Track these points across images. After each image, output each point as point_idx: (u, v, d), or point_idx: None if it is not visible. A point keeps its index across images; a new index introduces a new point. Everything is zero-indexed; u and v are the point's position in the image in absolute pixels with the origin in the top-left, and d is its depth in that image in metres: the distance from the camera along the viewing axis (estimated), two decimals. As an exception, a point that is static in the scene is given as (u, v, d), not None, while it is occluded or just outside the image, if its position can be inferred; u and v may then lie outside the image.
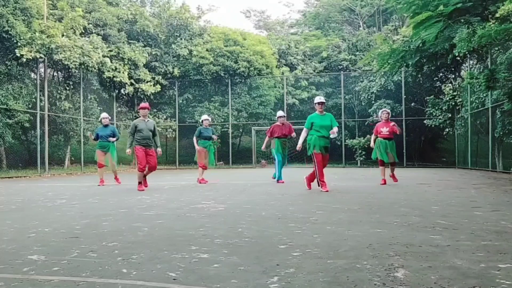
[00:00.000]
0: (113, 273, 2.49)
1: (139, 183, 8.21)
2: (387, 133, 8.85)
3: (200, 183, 9.74)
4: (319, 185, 7.58)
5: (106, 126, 9.84)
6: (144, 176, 8.35)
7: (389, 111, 9.26)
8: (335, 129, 7.54)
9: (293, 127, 10.14)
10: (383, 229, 3.74)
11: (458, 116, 18.00)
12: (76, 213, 5.01)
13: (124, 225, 4.10)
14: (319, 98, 7.84)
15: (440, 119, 18.50)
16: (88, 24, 17.85)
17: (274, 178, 10.03)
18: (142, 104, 8.56)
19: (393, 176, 9.15)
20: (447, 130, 18.66)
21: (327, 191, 7.29)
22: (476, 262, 2.63)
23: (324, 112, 7.77)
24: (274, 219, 4.40)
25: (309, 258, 2.77)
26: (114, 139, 9.82)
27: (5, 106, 14.12)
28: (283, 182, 9.59)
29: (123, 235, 3.62)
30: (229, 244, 3.21)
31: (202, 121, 10.41)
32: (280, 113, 10.25)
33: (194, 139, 10.24)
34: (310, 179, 7.84)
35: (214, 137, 10.26)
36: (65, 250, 3.08)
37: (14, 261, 2.78)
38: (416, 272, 2.43)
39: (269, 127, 10.45)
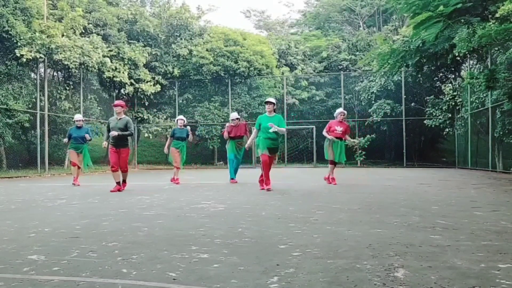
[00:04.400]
0: (113, 273, 2.49)
1: (117, 183, 8.03)
2: (340, 132, 8.93)
3: (172, 182, 9.91)
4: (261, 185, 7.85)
5: (79, 127, 9.94)
6: (123, 178, 8.21)
7: (345, 112, 9.39)
8: (277, 128, 7.51)
9: (248, 127, 10.24)
10: (383, 229, 3.74)
11: (458, 116, 18.00)
12: (76, 213, 5.01)
13: (124, 225, 4.10)
14: (268, 98, 8.09)
15: (440, 119, 18.50)
16: (88, 24, 17.85)
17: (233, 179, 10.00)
18: (115, 102, 8.37)
19: (332, 178, 9.06)
20: (447, 130, 18.66)
21: (269, 189, 7.53)
22: (476, 262, 2.63)
23: (273, 113, 7.82)
24: (274, 219, 4.40)
25: (309, 258, 2.77)
26: (89, 139, 10.01)
27: (5, 106, 14.12)
28: (235, 182, 9.80)
29: (123, 235, 3.62)
30: (229, 244, 3.21)
31: (176, 121, 10.40)
32: (232, 115, 10.28)
33: (168, 139, 10.31)
34: (261, 180, 7.95)
35: (189, 137, 10.22)
36: (65, 250, 3.08)
37: (14, 261, 2.78)
38: (416, 272, 2.43)
39: (226, 127, 10.37)
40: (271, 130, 7.53)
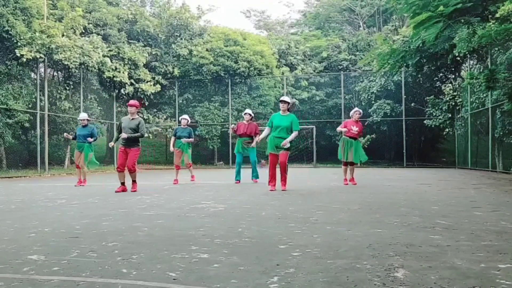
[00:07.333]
0: (113, 273, 2.49)
1: (121, 183, 7.93)
2: (356, 132, 8.84)
3: (174, 184, 9.78)
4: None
5: (84, 126, 9.76)
6: (133, 179, 8.03)
7: (361, 111, 9.20)
8: (288, 139, 7.38)
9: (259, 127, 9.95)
10: (383, 229, 3.74)
11: (458, 116, 18.00)
12: (76, 213, 5.01)
13: (124, 225, 4.10)
14: (282, 97, 7.93)
15: (440, 119, 18.49)
16: (88, 24, 17.86)
17: (256, 179, 9.80)
18: (130, 101, 8.30)
19: (352, 179, 8.95)
20: (447, 130, 18.65)
21: (272, 190, 7.50)
22: (476, 262, 2.63)
23: (287, 113, 7.67)
24: (274, 219, 4.40)
25: (309, 258, 2.77)
26: (92, 139, 9.74)
27: (5, 106, 14.12)
28: (238, 183, 9.68)
29: (123, 235, 3.62)
30: (229, 244, 3.21)
31: (180, 120, 10.31)
32: (245, 111, 10.09)
33: (172, 139, 10.28)
34: (282, 179, 7.75)
35: (190, 140, 10.11)
36: (65, 250, 3.08)
37: (14, 261, 2.78)
38: (416, 272, 2.43)
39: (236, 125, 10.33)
40: (283, 146, 7.43)
